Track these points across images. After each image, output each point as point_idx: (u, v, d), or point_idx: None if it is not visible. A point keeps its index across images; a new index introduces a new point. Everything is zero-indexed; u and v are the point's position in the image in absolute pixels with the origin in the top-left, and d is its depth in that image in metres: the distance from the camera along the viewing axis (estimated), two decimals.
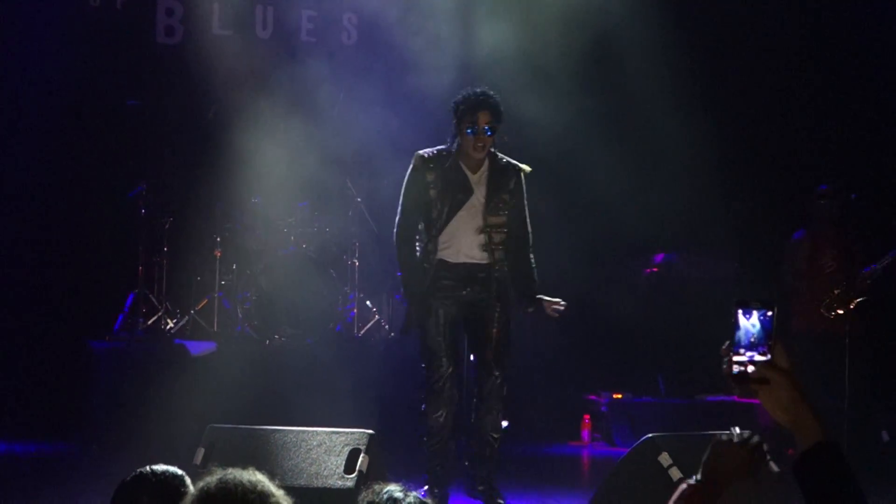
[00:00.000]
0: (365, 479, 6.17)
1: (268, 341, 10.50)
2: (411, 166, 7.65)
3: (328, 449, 6.32)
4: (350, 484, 6.18)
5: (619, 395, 11.13)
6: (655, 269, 11.64)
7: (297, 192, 10.89)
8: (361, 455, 6.25)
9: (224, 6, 12.03)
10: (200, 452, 6.33)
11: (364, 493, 3.26)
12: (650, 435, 6.42)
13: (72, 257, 11.43)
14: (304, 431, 6.47)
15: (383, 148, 11.10)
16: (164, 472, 3.64)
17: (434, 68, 11.41)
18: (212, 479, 2.99)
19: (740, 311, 2.82)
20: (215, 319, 10.72)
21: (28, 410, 10.53)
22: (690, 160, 11.43)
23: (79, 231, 11.46)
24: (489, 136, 7.54)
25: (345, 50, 12.13)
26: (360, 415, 9.05)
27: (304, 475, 6.21)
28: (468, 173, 7.62)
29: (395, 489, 3.20)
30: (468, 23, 11.45)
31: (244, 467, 3.09)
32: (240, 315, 10.64)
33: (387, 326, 10.90)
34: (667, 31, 11.39)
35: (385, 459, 6.48)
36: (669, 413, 10.83)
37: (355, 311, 10.85)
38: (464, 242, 7.59)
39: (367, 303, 11.00)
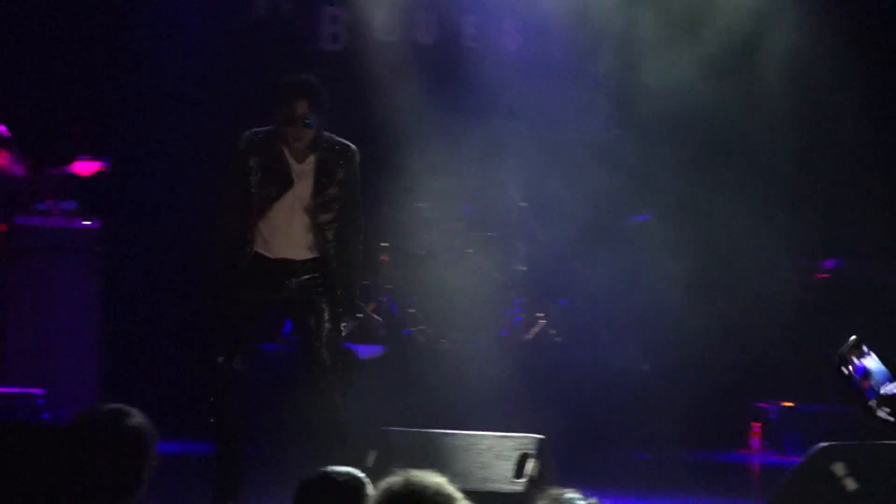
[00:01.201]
0: (535, 485, 6.16)
1: (434, 345, 10.54)
2: (234, 149, 7.14)
3: (497, 453, 6.33)
4: (520, 489, 6.18)
5: (790, 403, 10.95)
6: (826, 275, 11.42)
7: (462, 197, 10.91)
8: (531, 460, 6.24)
9: (387, 12, 12.10)
10: (372, 455, 6.38)
11: (541, 499, 3.22)
12: (823, 444, 6.29)
13: None
14: (473, 435, 6.49)
15: (546, 152, 11.08)
16: (346, 474, 3.67)
17: (595, 73, 11.36)
18: (397, 480, 3.00)
19: (866, 350, 2.70)
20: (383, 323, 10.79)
21: (200, 412, 10.70)
22: (862, 160, 11.21)
23: None
24: (308, 128, 6.98)
25: (508, 55, 12.10)
26: (528, 419, 9.02)
27: (474, 479, 6.22)
28: (292, 162, 7.05)
29: (575, 495, 3.15)
30: (631, 27, 11.37)
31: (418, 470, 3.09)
32: (407, 319, 10.69)
33: (553, 331, 10.86)
34: (833, 25, 11.18)
35: (554, 465, 6.45)
36: (841, 421, 10.61)
37: (521, 315, 10.83)
38: (284, 238, 7.06)
39: (534, 307, 10.96)
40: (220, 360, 7.07)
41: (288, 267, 7.06)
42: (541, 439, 6.32)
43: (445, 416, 9.41)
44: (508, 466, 6.25)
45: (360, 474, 3.70)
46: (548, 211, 11.03)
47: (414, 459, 6.15)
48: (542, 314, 10.94)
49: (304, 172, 7.06)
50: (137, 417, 3.69)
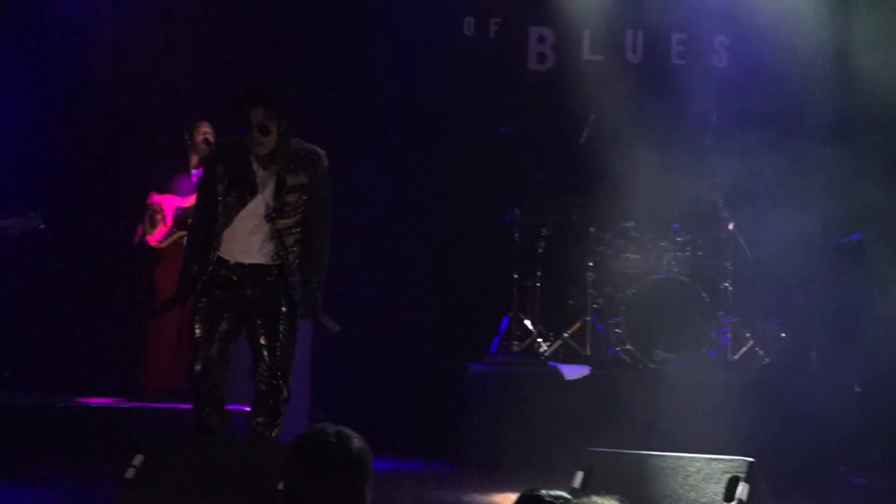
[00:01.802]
0: None
1: (640, 365, 10.48)
2: (207, 158, 7.15)
3: (706, 476, 6.24)
4: None
5: None
6: None
7: (669, 216, 10.84)
8: (741, 483, 6.14)
9: (595, 32, 12.12)
10: (579, 476, 6.36)
11: None
12: None
13: (449, 280, 11.74)
14: (681, 457, 6.40)
15: (754, 169, 10.94)
16: (556, 496, 3.67)
17: (806, 90, 11.19)
18: None
19: None
20: (588, 343, 10.76)
21: (409, 430, 10.85)
22: None
23: (455, 254, 11.76)
24: (266, 135, 6.98)
25: (716, 73, 12.00)
26: (738, 441, 8.90)
27: (683, 501, 6.15)
28: (258, 169, 7.09)
29: None
30: (846, 43, 11.16)
31: (625, 492, 3.08)
32: (612, 339, 10.65)
33: (761, 352, 10.70)
34: None
35: (766, 489, 6.34)
36: None
37: (729, 335, 10.69)
38: (247, 244, 7.08)
39: (742, 328, 10.82)
40: (208, 366, 7.06)
41: (249, 273, 7.11)
42: (751, 462, 6.22)
43: (652, 437, 9.35)
44: (718, 489, 6.15)
45: (569, 497, 3.70)
46: (756, 229, 10.89)
47: (622, 481, 6.14)
48: (750, 334, 10.79)
49: (268, 179, 7.10)
50: (359, 439, 3.78)
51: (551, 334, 10.91)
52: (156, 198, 10.54)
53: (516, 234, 11.03)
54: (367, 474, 3.73)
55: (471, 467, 10.06)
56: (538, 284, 10.99)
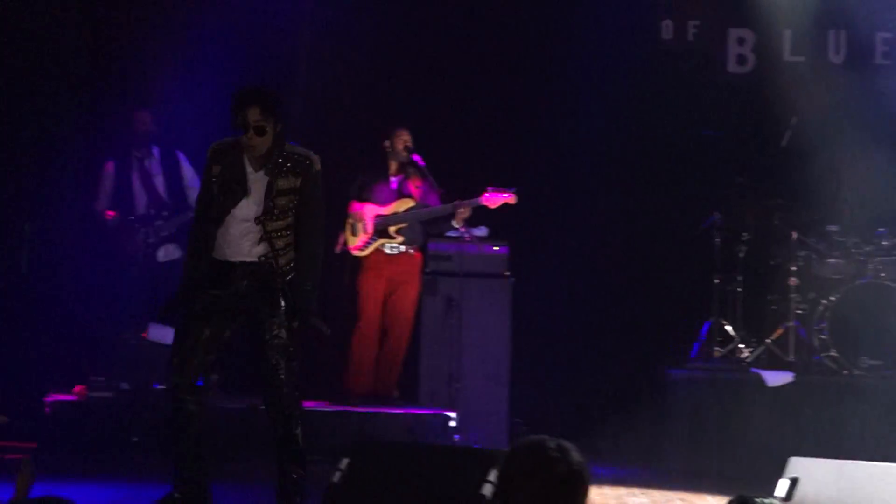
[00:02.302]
0: None
1: (846, 372, 10.27)
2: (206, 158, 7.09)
3: None
4: None
5: None
6: None
7: (874, 219, 10.62)
8: None
9: (796, 32, 11.95)
10: (783, 484, 6.27)
11: None
12: None
13: (649, 285, 11.68)
14: (890, 467, 6.28)
15: None
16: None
17: None
18: None
19: None
20: (791, 349, 10.59)
21: (608, 435, 10.82)
22: None
23: (655, 259, 11.70)
24: (261, 135, 6.89)
25: None
26: None
27: None
28: (250, 170, 7.01)
29: None
30: None
31: (831, 501, 3.03)
32: (816, 345, 10.47)
33: None
34: None
35: None
36: None
37: None
38: (239, 245, 7.02)
39: None
40: (193, 364, 7.02)
41: (239, 273, 7.08)
42: None
43: (858, 445, 9.17)
44: None
45: None
46: None
47: (826, 490, 6.04)
48: None
49: (259, 181, 7.07)
50: (578, 452, 3.78)
51: (753, 340, 10.78)
52: (356, 206, 10.68)
53: (717, 239, 10.91)
54: (587, 487, 3.73)
55: (672, 473, 10.00)
56: (739, 289, 10.85)
